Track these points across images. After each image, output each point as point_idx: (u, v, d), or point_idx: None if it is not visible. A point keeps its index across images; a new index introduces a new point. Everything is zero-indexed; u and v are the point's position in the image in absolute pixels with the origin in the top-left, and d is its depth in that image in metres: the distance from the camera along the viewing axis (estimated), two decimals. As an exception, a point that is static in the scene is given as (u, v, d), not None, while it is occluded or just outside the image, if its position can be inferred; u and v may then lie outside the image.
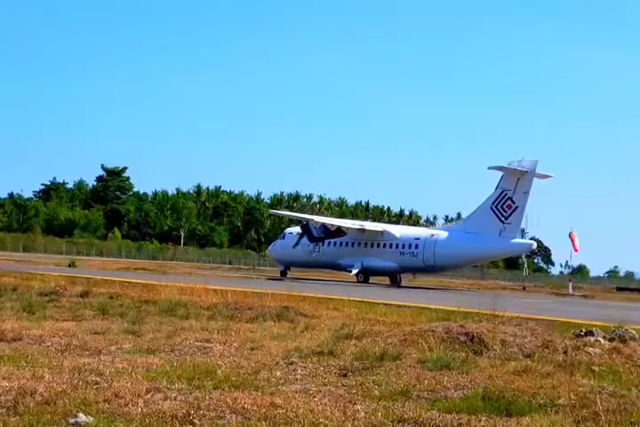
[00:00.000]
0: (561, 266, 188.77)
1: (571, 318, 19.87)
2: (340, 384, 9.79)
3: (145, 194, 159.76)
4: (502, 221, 53.25)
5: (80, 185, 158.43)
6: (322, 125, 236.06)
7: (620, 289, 70.20)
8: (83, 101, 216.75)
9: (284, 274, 58.99)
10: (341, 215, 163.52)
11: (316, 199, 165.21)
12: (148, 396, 8.43)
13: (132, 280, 28.54)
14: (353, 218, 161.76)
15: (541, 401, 9.00)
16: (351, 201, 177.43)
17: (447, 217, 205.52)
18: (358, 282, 53.71)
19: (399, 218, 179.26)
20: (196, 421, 7.62)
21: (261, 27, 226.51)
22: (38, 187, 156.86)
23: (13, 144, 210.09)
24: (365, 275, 56.53)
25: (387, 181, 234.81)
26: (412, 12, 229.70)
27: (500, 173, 53.96)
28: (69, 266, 48.98)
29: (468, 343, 12.94)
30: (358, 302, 22.28)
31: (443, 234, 56.55)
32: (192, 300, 19.88)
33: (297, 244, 58.58)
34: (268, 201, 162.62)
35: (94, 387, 8.77)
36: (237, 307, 18.57)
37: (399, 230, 60.01)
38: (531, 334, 13.70)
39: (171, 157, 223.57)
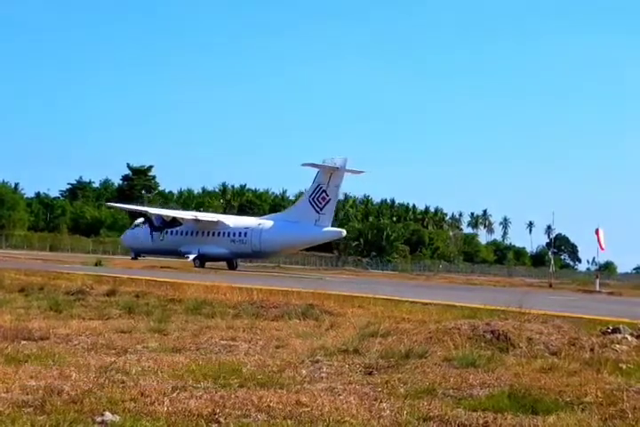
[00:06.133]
0: (588, 263, 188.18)
1: (597, 316, 19.73)
2: (365, 382, 9.76)
3: (170, 193, 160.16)
4: (318, 212, 60.75)
5: (106, 184, 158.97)
6: (347, 123, 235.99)
7: (647, 286, 69.53)
8: (108, 101, 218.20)
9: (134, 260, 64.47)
10: (366, 213, 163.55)
11: (341, 197, 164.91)
12: (174, 394, 8.44)
13: (158, 279, 28.61)
14: (378, 216, 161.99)
15: (568, 399, 8.93)
16: (376, 199, 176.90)
17: (473, 214, 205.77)
18: (195, 267, 59.33)
19: (424, 215, 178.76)
20: (221, 419, 7.62)
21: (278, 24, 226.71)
22: (65, 186, 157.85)
23: (40, 144, 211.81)
24: (202, 261, 62.77)
25: (412, 178, 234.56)
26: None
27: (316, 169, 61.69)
28: (96, 265, 49.14)
29: (493, 341, 12.88)
30: (384, 299, 22.22)
31: (268, 223, 63.84)
32: (217, 298, 19.92)
33: (146, 233, 65.53)
34: (293, 199, 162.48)
35: (121, 386, 8.79)
36: (263, 305, 18.57)
37: (232, 220, 67.09)
38: (557, 331, 13.61)
39: (196, 156, 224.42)
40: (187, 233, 65.16)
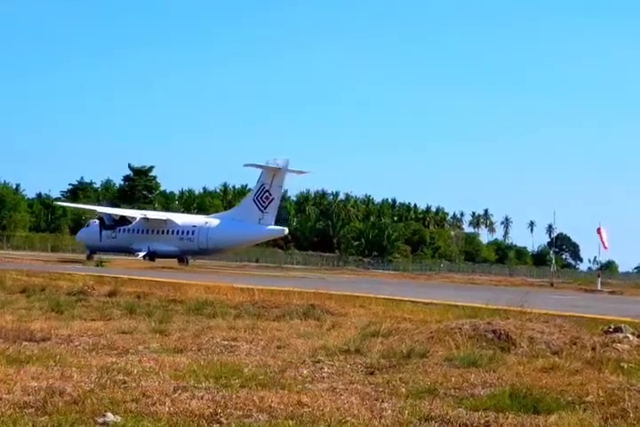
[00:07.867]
0: (589, 262, 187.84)
1: (599, 315, 19.72)
2: (366, 382, 9.76)
3: (172, 193, 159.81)
4: (262, 211, 63.28)
5: (107, 185, 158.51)
6: (348, 123, 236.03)
7: (648, 285, 69.41)
8: (109, 101, 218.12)
9: (89, 258, 64.90)
10: (367, 213, 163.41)
11: (342, 197, 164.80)
12: (176, 395, 8.44)
13: (159, 279, 28.64)
14: (379, 216, 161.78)
15: (569, 398, 8.93)
16: (378, 199, 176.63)
17: (474, 213, 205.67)
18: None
19: (426, 215, 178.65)
20: (222, 419, 7.61)
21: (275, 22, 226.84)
22: (66, 187, 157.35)
23: (41, 145, 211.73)
24: (151, 257, 64.62)
25: (413, 178, 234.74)
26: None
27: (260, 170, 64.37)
28: (97, 265, 49.18)
29: (495, 341, 12.88)
30: (385, 299, 22.24)
31: (215, 222, 66.48)
32: (219, 298, 19.93)
33: (100, 231, 67.61)
34: (295, 199, 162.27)
35: (122, 386, 8.79)
36: (264, 305, 18.58)
37: (181, 219, 69.65)
38: (558, 330, 13.61)
39: (197, 156, 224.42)
40: (137, 231, 67.34)
